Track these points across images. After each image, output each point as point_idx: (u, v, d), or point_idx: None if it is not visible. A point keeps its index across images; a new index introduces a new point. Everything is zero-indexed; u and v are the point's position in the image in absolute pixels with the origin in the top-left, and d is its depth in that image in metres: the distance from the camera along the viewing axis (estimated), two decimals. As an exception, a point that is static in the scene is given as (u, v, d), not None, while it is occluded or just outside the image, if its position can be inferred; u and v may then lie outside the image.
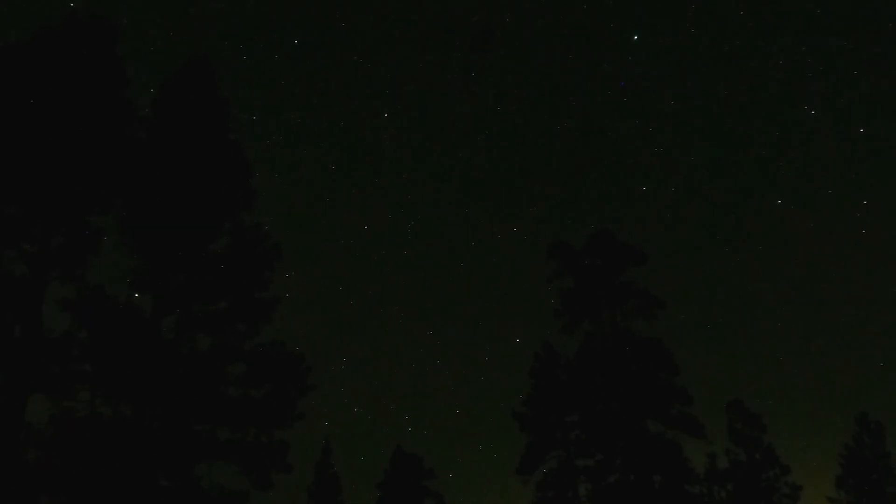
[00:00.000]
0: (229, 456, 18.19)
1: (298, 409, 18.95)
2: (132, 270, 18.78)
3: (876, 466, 34.69)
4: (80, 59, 18.24)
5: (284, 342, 19.18)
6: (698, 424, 26.42)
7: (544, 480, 28.21)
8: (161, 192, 19.01)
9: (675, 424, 26.41)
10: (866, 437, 35.48)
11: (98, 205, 18.31)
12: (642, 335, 27.57)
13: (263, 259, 19.59)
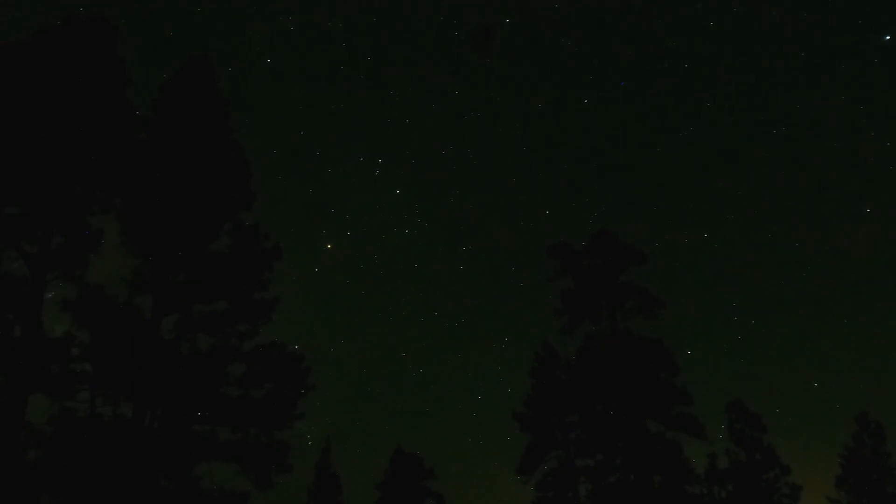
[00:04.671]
0: (229, 456, 18.20)
1: (298, 409, 19.00)
2: (132, 270, 18.79)
3: (876, 466, 34.62)
4: (79, 59, 18.24)
5: (284, 342, 19.24)
6: (698, 424, 26.41)
7: (544, 480, 28.24)
8: (161, 192, 19.01)
9: (675, 424, 26.38)
10: (866, 437, 35.42)
11: (98, 205, 18.32)
12: (642, 335, 27.57)
13: (263, 259, 19.61)
